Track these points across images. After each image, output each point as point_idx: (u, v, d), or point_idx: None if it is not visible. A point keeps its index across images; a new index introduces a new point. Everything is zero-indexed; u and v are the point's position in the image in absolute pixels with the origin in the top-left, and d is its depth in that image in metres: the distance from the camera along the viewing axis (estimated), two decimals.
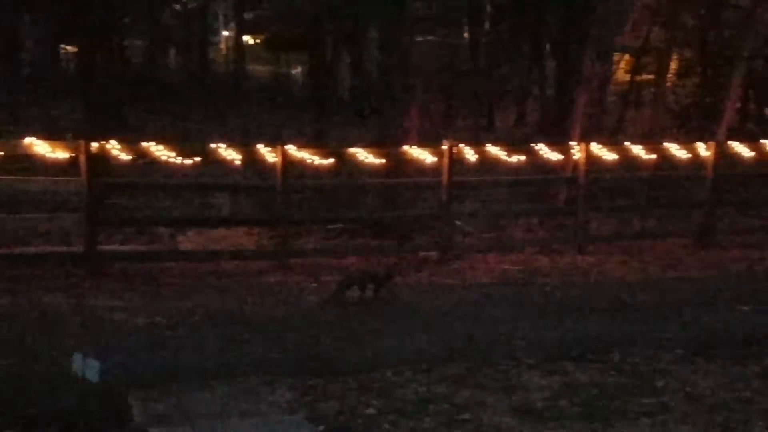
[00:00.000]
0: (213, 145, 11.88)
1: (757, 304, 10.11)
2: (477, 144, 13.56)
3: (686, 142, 14.62)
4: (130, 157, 11.59)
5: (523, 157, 13.33)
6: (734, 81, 17.65)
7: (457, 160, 12.63)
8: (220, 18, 38.53)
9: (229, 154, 11.79)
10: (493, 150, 13.12)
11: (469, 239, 13.52)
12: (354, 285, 10.13)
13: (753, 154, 14.56)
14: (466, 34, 25.43)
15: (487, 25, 23.74)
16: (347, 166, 13.03)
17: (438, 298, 10.43)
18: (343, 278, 10.39)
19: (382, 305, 10.00)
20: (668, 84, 23.22)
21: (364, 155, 12.40)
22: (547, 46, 24.61)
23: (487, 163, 13.34)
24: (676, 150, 14.10)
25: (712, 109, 20.12)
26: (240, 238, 12.96)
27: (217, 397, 6.86)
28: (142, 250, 12.28)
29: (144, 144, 11.64)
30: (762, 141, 14.94)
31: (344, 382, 7.30)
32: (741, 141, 15.18)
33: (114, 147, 11.33)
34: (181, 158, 11.77)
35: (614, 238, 14.05)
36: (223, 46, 38.88)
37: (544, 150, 13.46)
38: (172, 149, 11.65)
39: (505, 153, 13.15)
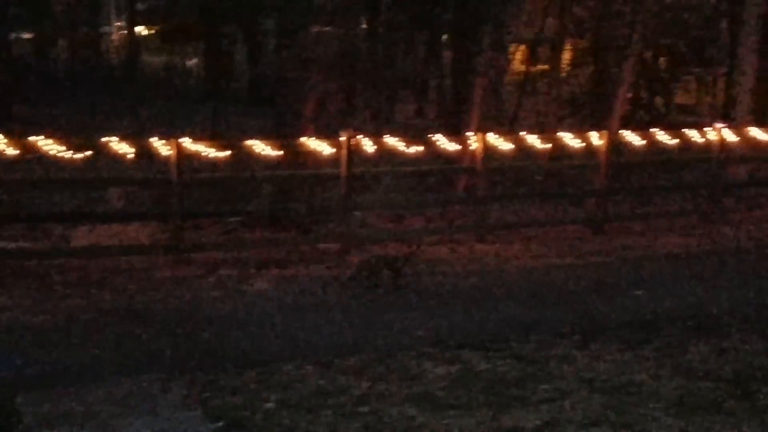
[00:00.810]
0: (105, 139, 11.59)
1: (649, 289, 10.34)
2: (376, 135, 13.53)
3: (580, 131, 14.87)
4: (17, 152, 11.23)
5: (421, 148, 13.38)
6: (625, 71, 18.02)
7: (355, 152, 12.58)
8: (112, 9, 37.66)
9: (122, 147, 11.53)
10: (392, 141, 13.15)
11: (369, 230, 13.49)
12: (372, 271, 10.32)
13: (644, 142, 14.88)
14: (364, 25, 25.38)
15: (384, 16, 23.71)
16: (244, 158, 12.86)
17: (337, 290, 10.37)
18: (360, 265, 10.56)
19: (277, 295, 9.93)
20: (562, 74, 23.59)
21: (261, 147, 12.27)
22: (444, 37, 24.73)
23: (386, 154, 13.35)
24: (570, 139, 14.32)
25: (605, 99, 20.50)
26: (134, 233, 12.67)
27: (112, 397, 6.69)
28: (31, 248, 11.91)
29: (32, 138, 11.28)
30: (652, 129, 15.28)
31: (243, 377, 7.22)
32: (633, 130, 15.50)
33: (0, 141, 10.95)
34: (71, 152, 11.45)
35: (512, 227, 14.20)
36: (115, 37, 38.04)
37: (442, 140, 13.54)
38: (62, 143, 11.33)
39: (404, 144, 13.19)
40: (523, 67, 25.94)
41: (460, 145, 13.79)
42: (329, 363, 7.58)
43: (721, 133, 14.98)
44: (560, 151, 14.89)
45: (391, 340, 8.31)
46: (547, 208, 15.51)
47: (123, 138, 11.71)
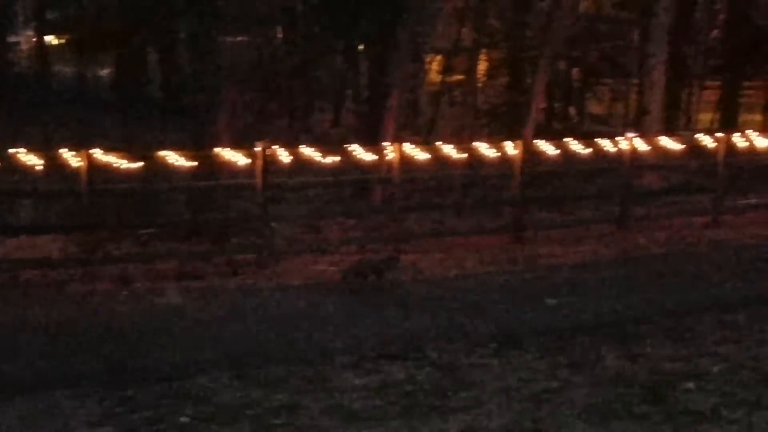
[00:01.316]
0: (13, 150, 11.30)
1: (565, 297, 10.44)
2: (293, 145, 13.46)
3: (495, 141, 14.99)
4: None
5: (338, 158, 13.35)
6: (539, 81, 18.27)
7: (271, 162, 12.50)
8: (20, 18, 36.77)
9: (30, 159, 11.25)
10: (308, 151, 13.09)
11: (286, 241, 13.40)
12: (360, 273, 10.85)
13: (558, 151, 15.06)
14: (280, 34, 25.31)
15: (300, 25, 23.69)
16: (158, 169, 12.66)
17: (254, 301, 10.28)
18: (350, 267, 11.05)
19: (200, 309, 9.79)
20: (478, 84, 23.84)
21: (174, 158, 12.09)
22: (361, 47, 24.79)
23: (303, 164, 13.29)
24: (486, 149, 14.42)
25: (520, 109, 20.76)
26: (45, 246, 12.38)
27: (19, 416, 6.51)
28: None
29: None
30: (566, 139, 15.48)
31: (159, 390, 7.09)
32: (547, 139, 15.69)
33: None
34: None
35: (429, 236, 14.25)
36: (25, 47, 37.18)
37: (358, 151, 13.52)
38: None
39: (321, 154, 13.15)
40: (439, 78, 26.12)
41: (376, 155, 13.79)
42: (245, 375, 7.49)
43: (632, 142, 15.24)
44: (476, 160, 15.00)
45: (309, 350, 8.24)
46: (465, 218, 15.60)
47: (32, 149, 11.43)
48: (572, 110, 28.34)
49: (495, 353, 8.16)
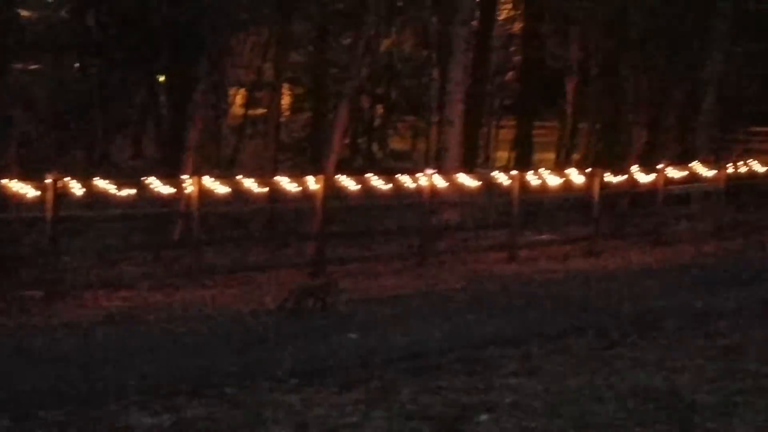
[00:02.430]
0: None
1: (365, 331, 10.47)
2: (88, 178, 12.97)
3: (298, 176, 14.96)
4: None
5: (135, 191, 12.99)
6: (340, 117, 18.39)
7: (63, 195, 11.99)
8: None
9: None
10: (104, 183, 12.67)
11: (78, 276, 12.86)
12: (302, 298, 11.15)
13: (359, 186, 15.18)
14: (76, 63, 24.47)
15: (98, 54, 22.98)
16: None
17: (39, 339, 9.78)
18: (291, 292, 11.27)
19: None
20: (282, 118, 23.81)
21: None
22: (161, 78, 24.31)
23: (99, 197, 12.84)
24: (287, 183, 14.38)
25: (322, 144, 20.85)
26: None
27: None
28: None
29: None
30: (368, 174, 15.63)
31: None
32: (349, 174, 15.79)
33: None
34: None
35: (231, 270, 14.04)
36: None
37: (156, 184, 13.20)
38: None
39: (117, 187, 12.75)
40: (242, 111, 25.97)
41: (175, 188, 13.49)
42: (26, 417, 7.07)
43: (431, 178, 15.55)
44: (278, 194, 14.93)
45: (99, 390, 7.87)
46: (266, 252, 15.47)
47: None
48: (375, 146, 28.75)
49: (294, 389, 8.04)
